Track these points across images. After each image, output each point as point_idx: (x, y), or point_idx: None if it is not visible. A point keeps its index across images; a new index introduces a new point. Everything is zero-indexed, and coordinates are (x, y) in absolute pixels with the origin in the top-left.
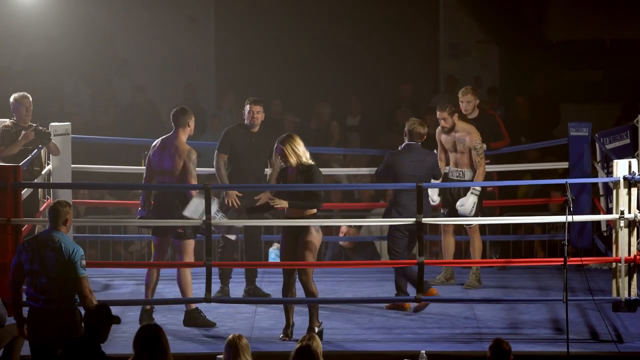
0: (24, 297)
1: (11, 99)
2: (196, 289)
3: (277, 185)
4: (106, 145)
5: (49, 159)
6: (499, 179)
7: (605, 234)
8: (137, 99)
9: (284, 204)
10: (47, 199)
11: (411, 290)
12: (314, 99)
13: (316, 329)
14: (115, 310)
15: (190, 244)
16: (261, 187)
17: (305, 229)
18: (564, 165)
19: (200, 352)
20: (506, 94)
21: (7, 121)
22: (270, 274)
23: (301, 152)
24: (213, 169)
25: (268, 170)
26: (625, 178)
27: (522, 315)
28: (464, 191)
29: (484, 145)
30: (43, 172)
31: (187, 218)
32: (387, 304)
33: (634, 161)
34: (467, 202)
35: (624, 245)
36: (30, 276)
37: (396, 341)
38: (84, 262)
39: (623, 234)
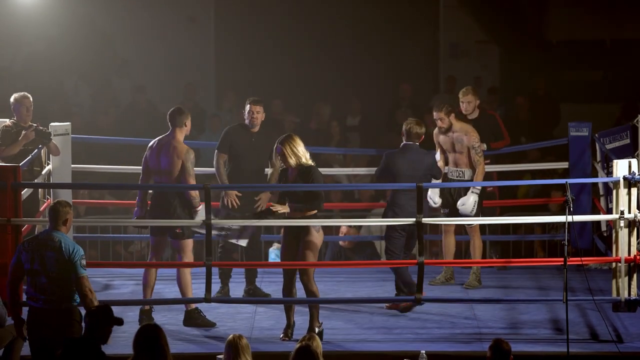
0: (24, 297)
1: (12, 99)
2: (196, 289)
3: (277, 185)
4: (106, 145)
5: (49, 159)
6: (499, 179)
7: (605, 234)
8: (137, 99)
9: (285, 209)
10: (47, 199)
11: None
12: (314, 99)
13: (316, 330)
14: (115, 310)
15: (189, 243)
16: (261, 187)
17: (306, 229)
18: (564, 165)
19: (200, 352)
20: (506, 94)
21: (8, 121)
22: (270, 274)
23: (301, 153)
24: (213, 169)
25: (269, 170)
26: (625, 178)
27: (522, 315)
28: (464, 191)
29: (484, 145)
30: (43, 172)
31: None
32: (387, 305)
33: (634, 161)
34: (468, 201)
35: (624, 245)
36: (30, 276)
37: (396, 341)
38: (84, 261)
39: (623, 234)
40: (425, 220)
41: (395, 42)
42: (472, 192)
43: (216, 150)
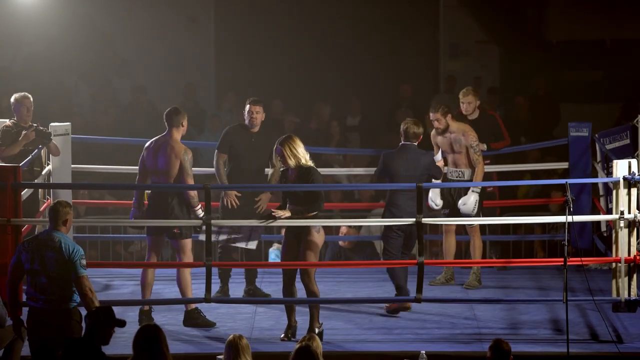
0: (24, 297)
1: (12, 99)
2: (196, 289)
3: (277, 185)
4: (106, 145)
5: (49, 159)
6: (499, 179)
7: (605, 234)
8: (137, 99)
9: (287, 214)
10: (47, 199)
11: (410, 291)
12: (314, 99)
13: (316, 330)
14: (115, 310)
15: (188, 243)
16: (261, 187)
17: (307, 229)
18: (564, 165)
19: (200, 353)
20: (506, 94)
21: (8, 121)
22: (270, 274)
23: (300, 154)
24: (212, 169)
25: (269, 171)
26: (625, 178)
27: (522, 315)
28: (464, 191)
29: (484, 146)
30: (43, 172)
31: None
32: (387, 305)
33: (634, 161)
34: (469, 201)
35: (624, 246)
36: (30, 276)
37: (396, 341)
38: (84, 261)
39: (623, 234)
40: (425, 220)
41: (395, 42)
42: (473, 191)
43: (216, 150)
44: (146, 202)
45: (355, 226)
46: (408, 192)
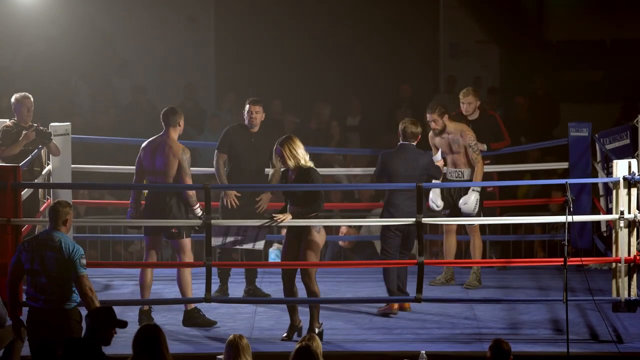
0: (24, 297)
1: (12, 99)
2: (196, 289)
3: (277, 185)
4: (106, 145)
5: (49, 159)
6: (499, 179)
7: (605, 234)
8: (137, 99)
9: (287, 217)
10: (47, 199)
11: (410, 291)
12: (314, 99)
13: (316, 330)
14: (115, 310)
15: (187, 243)
16: (261, 187)
17: (307, 229)
18: (564, 165)
19: (200, 352)
20: (506, 94)
21: (8, 121)
22: (270, 274)
23: (300, 155)
24: (212, 169)
25: (270, 171)
26: (625, 178)
27: (522, 315)
28: (464, 191)
29: (484, 146)
30: (43, 172)
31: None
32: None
33: (634, 161)
34: (470, 200)
35: (624, 246)
36: (31, 276)
37: (396, 341)
38: (84, 261)
39: (623, 234)
40: (424, 220)
41: (395, 42)
42: (473, 190)
43: (216, 151)
44: (143, 202)
45: (355, 226)
46: (406, 192)
